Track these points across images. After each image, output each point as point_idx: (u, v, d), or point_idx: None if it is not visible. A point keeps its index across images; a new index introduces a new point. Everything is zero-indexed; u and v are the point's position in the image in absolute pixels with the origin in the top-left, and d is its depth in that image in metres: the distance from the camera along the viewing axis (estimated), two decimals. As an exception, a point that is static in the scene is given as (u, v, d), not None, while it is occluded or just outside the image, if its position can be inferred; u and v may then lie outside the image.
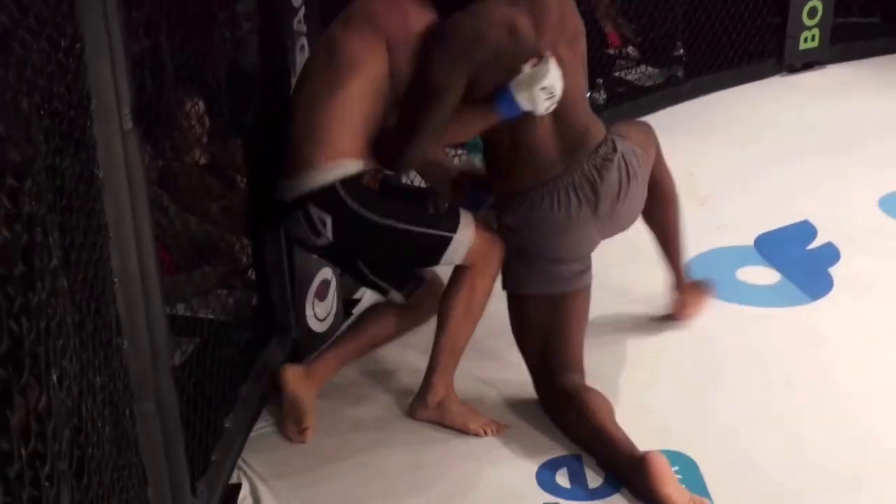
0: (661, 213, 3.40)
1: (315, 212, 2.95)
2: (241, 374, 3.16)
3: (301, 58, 3.21)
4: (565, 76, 2.89)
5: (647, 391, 3.25)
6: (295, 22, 3.17)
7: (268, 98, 3.15)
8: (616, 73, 5.63)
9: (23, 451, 1.08)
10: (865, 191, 4.54)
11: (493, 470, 2.99)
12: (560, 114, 2.98)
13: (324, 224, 2.95)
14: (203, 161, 3.88)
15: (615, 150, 3.06)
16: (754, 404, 3.21)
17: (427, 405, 3.16)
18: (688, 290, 3.60)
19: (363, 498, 2.89)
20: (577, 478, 2.94)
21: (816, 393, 3.25)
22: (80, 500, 1.52)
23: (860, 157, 4.91)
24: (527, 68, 2.84)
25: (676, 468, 2.94)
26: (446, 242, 2.99)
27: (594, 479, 2.94)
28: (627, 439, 2.89)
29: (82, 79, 1.94)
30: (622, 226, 3.21)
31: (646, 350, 3.48)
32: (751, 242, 4.19)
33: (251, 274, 3.50)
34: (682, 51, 5.79)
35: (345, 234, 2.99)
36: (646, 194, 3.21)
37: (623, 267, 3.81)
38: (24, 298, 1.22)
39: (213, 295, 3.56)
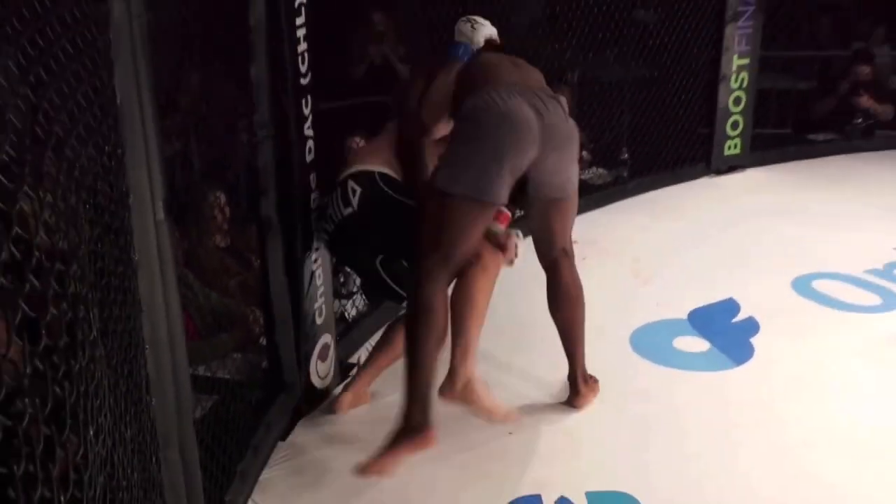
0: (567, 313, 3.30)
1: (351, 184, 3.23)
2: (252, 426, 3.13)
3: (309, 157, 3.25)
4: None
5: (597, 444, 3.23)
6: (305, 128, 3.20)
7: (280, 191, 3.16)
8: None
9: (62, 497, 1.07)
10: (780, 273, 4.57)
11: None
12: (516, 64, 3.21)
13: (354, 193, 3.21)
14: (223, 244, 3.89)
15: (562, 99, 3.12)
16: (689, 449, 3.20)
17: (453, 391, 3.07)
18: (583, 382, 3.44)
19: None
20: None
21: (738, 436, 3.27)
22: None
23: (775, 245, 4.94)
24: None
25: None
26: None
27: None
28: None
29: (122, 177, 1.95)
30: (551, 153, 2.98)
31: (596, 407, 3.47)
32: (685, 316, 4.19)
33: (262, 340, 3.48)
34: (626, 155, 5.85)
35: (367, 205, 3.20)
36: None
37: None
38: (67, 366, 1.21)
39: (229, 358, 3.55)
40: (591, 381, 3.49)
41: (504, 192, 2.93)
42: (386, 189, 3.24)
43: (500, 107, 2.89)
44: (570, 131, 3.08)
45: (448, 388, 3.07)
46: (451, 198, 2.89)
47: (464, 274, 3.11)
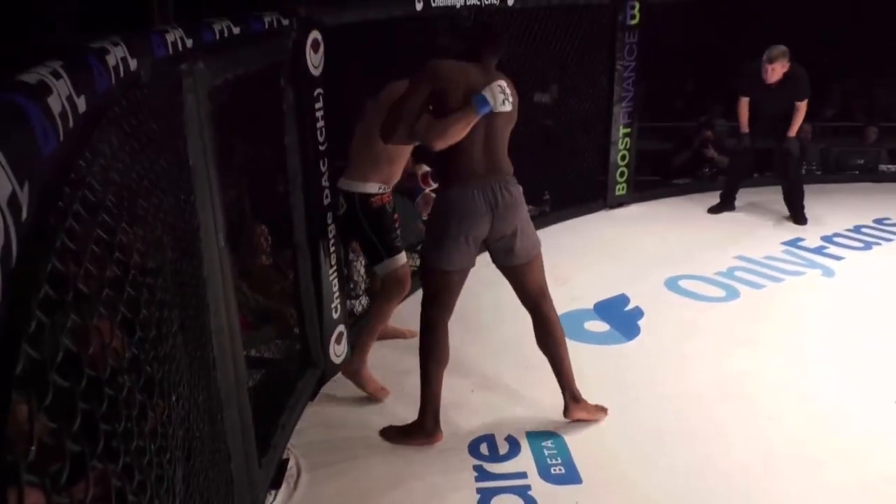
0: (553, 348, 3.00)
1: (341, 199, 3.17)
2: (289, 391, 3.10)
3: (326, 201, 3.22)
4: (502, 128, 2.76)
5: (528, 396, 3.22)
6: (323, 180, 3.18)
7: (307, 225, 3.14)
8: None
9: (152, 446, 1.05)
10: (656, 276, 4.59)
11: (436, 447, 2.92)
12: (489, 142, 2.70)
13: (342, 207, 3.17)
14: (267, 262, 3.86)
15: (515, 185, 2.80)
16: (598, 400, 3.14)
17: (348, 370, 3.26)
18: (571, 399, 3.04)
19: (360, 454, 2.83)
20: (492, 448, 2.90)
21: (632, 389, 3.27)
22: (188, 475, 1.47)
23: (652, 256, 4.97)
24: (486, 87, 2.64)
25: (550, 442, 2.93)
26: (381, 258, 3.15)
27: (503, 447, 2.90)
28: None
29: (194, 217, 1.93)
30: (503, 230, 2.76)
31: (530, 370, 3.45)
32: (591, 307, 4.19)
33: (296, 330, 3.45)
34: (547, 196, 5.86)
35: (344, 216, 3.18)
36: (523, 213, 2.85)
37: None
38: (155, 351, 1.19)
39: (272, 343, 3.52)
40: (586, 405, 3.06)
41: (468, 258, 2.79)
42: (358, 211, 3.14)
43: (462, 205, 2.69)
44: (519, 207, 2.81)
45: (346, 367, 3.27)
46: (432, 272, 2.81)
47: (381, 291, 3.25)
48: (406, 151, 3.23)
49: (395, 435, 2.95)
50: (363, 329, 3.28)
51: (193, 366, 1.74)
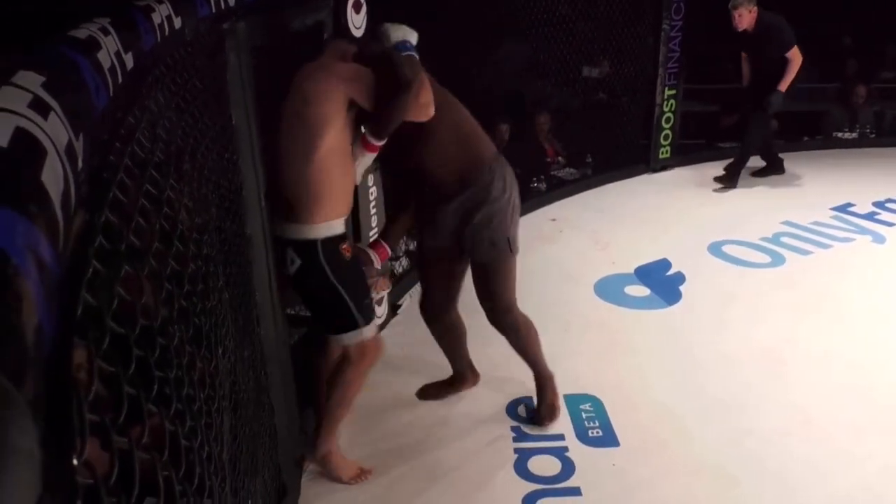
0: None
1: (290, 253, 2.20)
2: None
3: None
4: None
5: (567, 359, 3.23)
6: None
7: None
8: (552, 172, 5.63)
9: (201, 394, 1.08)
10: (700, 240, 4.52)
11: (472, 404, 2.95)
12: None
13: (292, 263, 2.20)
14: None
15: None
16: (637, 363, 3.20)
17: (314, 456, 2.50)
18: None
19: (397, 410, 2.87)
20: (530, 410, 2.91)
21: (672, 354, 3.26)
22: (234, 424, 1.51)
23: (695, 220, 4.90)
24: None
25: (588, 405, 2.94)
26: (354, 326, 2.28)
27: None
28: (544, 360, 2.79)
29: (238, 176, 1.95)
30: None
31: (571, 333, 3.46)
32: (632, 271, 4.15)
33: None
34: (590, 159, 5.80)
35: (303, 277, 2.21)
36: None
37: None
38: (203, 304, 1.22)
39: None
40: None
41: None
42: (325, 267, 2.20)
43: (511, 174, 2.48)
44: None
45: (309, 454, 2.52)
46: (510, 257, 2.53)
47: (343, 361, 2.40)
48: None
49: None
50: (326, 412, 2.46)
51: (238, 321, 1.78)
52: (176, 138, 1.30)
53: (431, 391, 3.00)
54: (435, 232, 2.52)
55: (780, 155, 5.83)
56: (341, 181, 2.20)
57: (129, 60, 1.14)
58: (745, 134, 5.44)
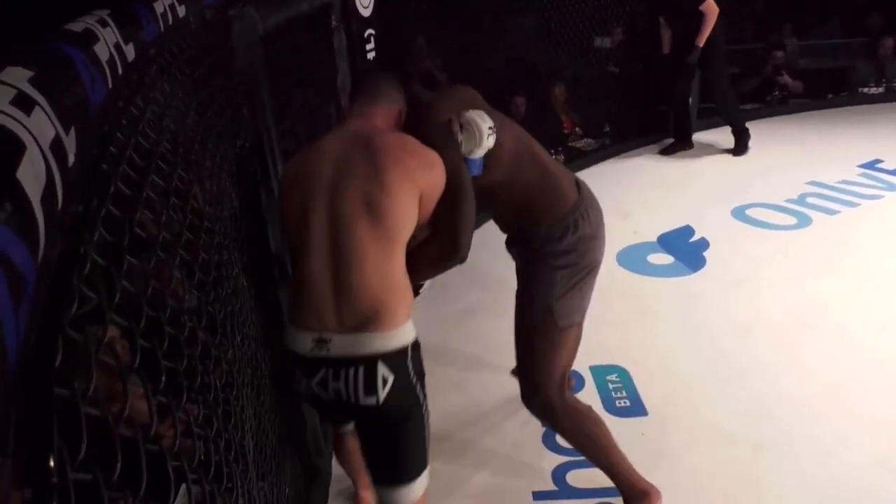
0: None
1: (382, 370, 1.55)
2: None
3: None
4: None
5: (592, 331, 3.19)
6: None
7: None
8: (570, 143, 5.56)
9: (218, 383, 1.08)
10: (723, 205, 4.44)
11: (502, 382, 2.91)
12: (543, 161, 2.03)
13: (385, 384, 1.56)
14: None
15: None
16: (662, 332, 3.16)
17: None
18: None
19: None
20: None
21: (698, 322, 3.22)
22: (258, 412, 1.51)
23: (718, 185, 4.81)
24: (459, 135, 1.78)
25: (614, 375, 2.91)
26: (424, 466, 1.70)
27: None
28: (631, 465, 2.16)
29: (251, 160, 1.94)
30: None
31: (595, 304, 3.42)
32: (655, 239, 4.10)
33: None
34: (608, 129, 5.72)
35: (394, 399, 1.58)
36: None
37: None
38: (216, 293, 1.21)
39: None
40: None
41: None
42: (413, 380, 1.61)
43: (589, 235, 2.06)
44: None
45: None
46: (565, 330, 2.07)
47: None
48: None
49: None
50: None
51: (258, 307, 1.77)
52: (184, 127, 1.28)
53: None
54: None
55: (807, 113, 5.69)
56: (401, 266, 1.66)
57: (129, 52, 1.13)
58: (676, 85, 5.34)
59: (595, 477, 2.24)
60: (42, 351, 0.41)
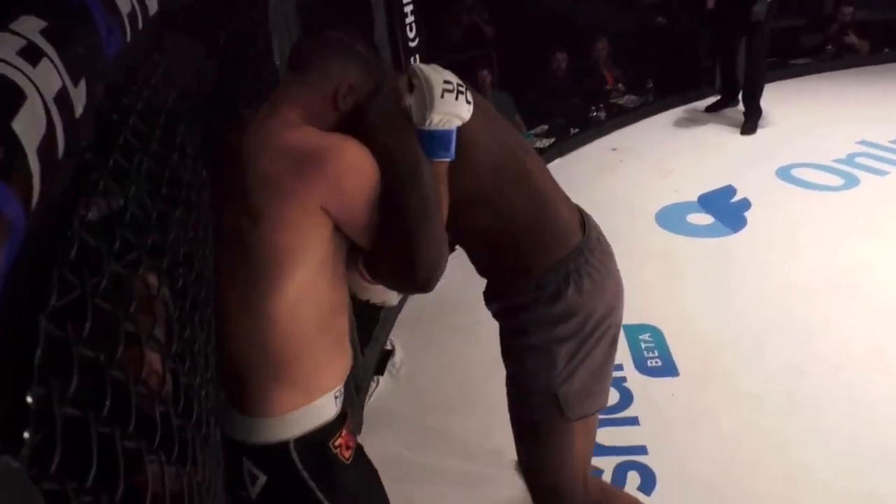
0: None
1: (248, 465, 1.24)
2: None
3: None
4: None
5: (626, 290, 3.16)
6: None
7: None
8: (611, 100, 5.45)
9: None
10: (767, 164, 4.32)
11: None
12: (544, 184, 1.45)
13: (253, 482, 1.24)
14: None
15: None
16: (698, 293, 3.12)
17: None
18: None
19: (456, 348, 2.89)
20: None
21: (735, 283, 3.18)
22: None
23: (763, 143, 4.68)
24: (408, 98, 1.25)
25: (647, 335, 2.89)
26: None
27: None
28: None
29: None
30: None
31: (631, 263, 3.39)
32: (695, 199, 4.02)
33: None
34: (651, 85, 5.58)
35: (278, 500, 1.25)
36: None
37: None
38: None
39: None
40: None
41: None
42: (307, 481, 1.22)
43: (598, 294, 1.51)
44: None
45: None
46: (572, 426, 1.51)
47: None
48: None
49: None
50: None
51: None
52: (205, 84, 1.28)
53: None
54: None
55: (861, 68, 5.45)
56: (326, 328, 1.26)
57: (152, 5, 1.12)
58: (746, 63, 4.93)
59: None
60: (35, 291, 0.41)
